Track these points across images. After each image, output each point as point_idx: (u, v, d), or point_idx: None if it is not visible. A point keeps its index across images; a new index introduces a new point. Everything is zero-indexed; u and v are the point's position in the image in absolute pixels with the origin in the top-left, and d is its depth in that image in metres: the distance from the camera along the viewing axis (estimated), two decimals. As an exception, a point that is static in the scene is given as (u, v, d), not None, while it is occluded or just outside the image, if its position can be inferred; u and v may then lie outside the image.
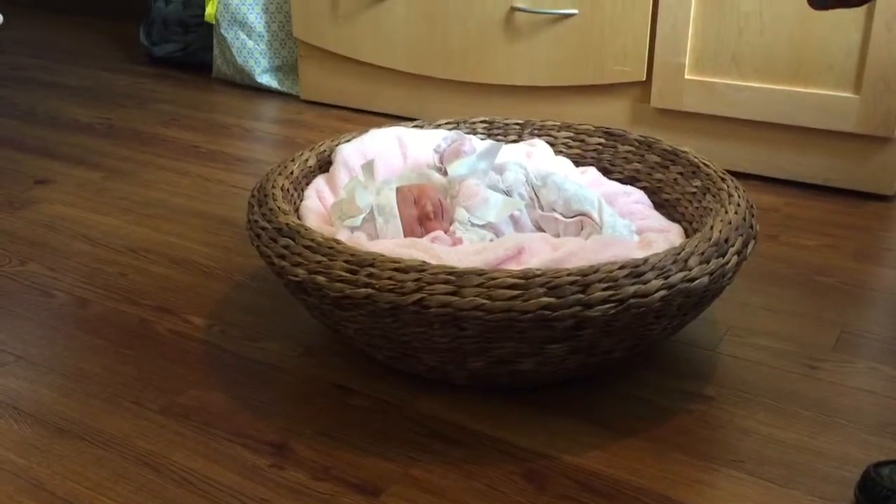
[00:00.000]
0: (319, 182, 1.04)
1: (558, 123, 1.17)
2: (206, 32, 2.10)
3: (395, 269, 0.76)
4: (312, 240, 0.82)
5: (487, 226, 0.93)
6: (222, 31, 1.98)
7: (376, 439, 0.80)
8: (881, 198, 1.31)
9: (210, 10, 1.97)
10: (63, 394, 0.87)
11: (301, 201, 1.00)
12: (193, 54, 2.15)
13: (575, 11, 1.48)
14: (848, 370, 0.90)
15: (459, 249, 0.86)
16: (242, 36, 1.96)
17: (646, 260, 0.76)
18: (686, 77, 1.41)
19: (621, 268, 0.75)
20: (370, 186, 0.97)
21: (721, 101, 1.39)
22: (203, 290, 1.08)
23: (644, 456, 0.77)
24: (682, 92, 1.41)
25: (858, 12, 1.25)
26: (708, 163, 1.02)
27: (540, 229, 0.97)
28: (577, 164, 1.13)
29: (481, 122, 1.18)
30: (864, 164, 1.32)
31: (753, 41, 1.34)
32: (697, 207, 0.98)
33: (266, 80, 1.98)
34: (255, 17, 1.95)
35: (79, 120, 1.77)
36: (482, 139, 1.15)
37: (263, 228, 0.87)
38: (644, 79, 1.46)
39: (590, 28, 1.48)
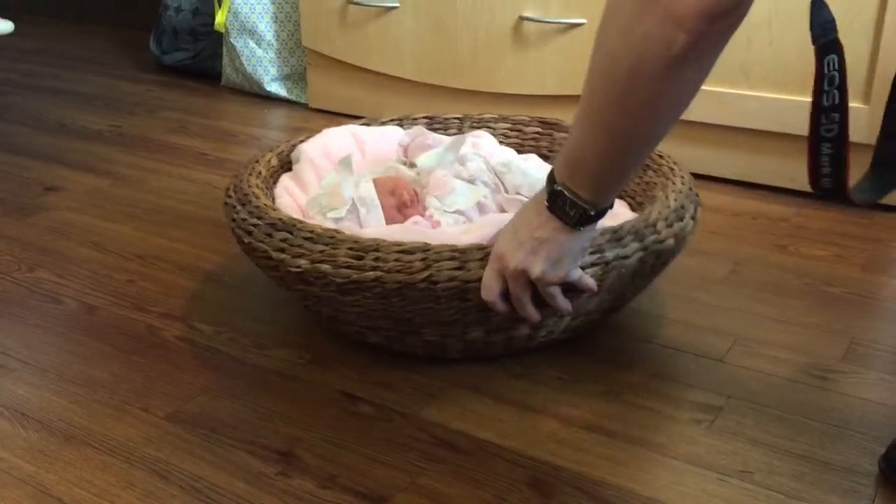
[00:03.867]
0: (286, 181, 1.09)
1: (496, 116, 1.24)
2: (215, 41, 2.11)
3: (401, 252, 0.82)
4: (311, 231, 0.86)
5: (457, 212, 1.00)
6: (232, 39, 1.99)
7: (383, 448, 0.80)
8: (891, 208, 1.31)
9: (220, 18, 1.98)
10: (71, 400, 0.87)
11: (273, 200, 1.03)
12: (203, 62, 2.16)
13: (583, 21, 1.48)
14: (857, 381, 0.89)
15: (448, 232, 0.93)
16: (252, 44, 1.97)
17: (623, 226, 0.86)
18: (694, 87, 1.40)
19: (602, 234, 0.84)
20: (349, 180, 1.02)
21: (730, 110, 1.39)
22: (211, 297, 1.08)
23: (651, 466, 0.77)
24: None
25: (867, 21, 1.25)
26: None
27: (504, 212, 1.01)
28: (519, 152, 1.18)
29: (423, 117, 1.25)
30: (874, 174, 1.32)
31: (762, 52, 1.34)
32: (639, 183, 1.06)
33: (274, 88, 1.99)
34: (265, 26, 1.96)
35: (88, 127, 1.78)
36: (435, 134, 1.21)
37: (255, 225, 0.90)
38: (652, 88, 1.46)
39: (598, 37, 1.48)
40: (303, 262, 0.84)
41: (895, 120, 0.76)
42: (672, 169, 1.01)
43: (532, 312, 0.82)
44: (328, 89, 1.85)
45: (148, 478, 0.76)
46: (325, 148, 1.12)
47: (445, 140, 1.14)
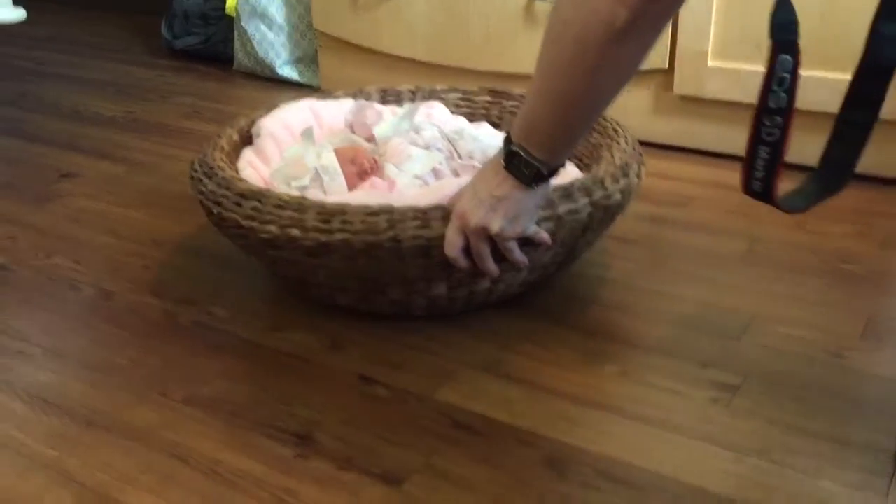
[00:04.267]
0: (249, 154, 1.13)
1: (446, 87, 1.29)
2: (226, 25, 2.11)
3: (367, 214, 0.87)
4: (279, 198, 0.90)
5: (414, 177, 1.05)
6: (243, 23, 1.98)
7: (398, 430, 0.80)
8: (909, 184, 1.29)
9: (231, 2, 1.97)
10: (90, 385, 0.88)
11: (237, 173, 1.07)
12: (214, 47, 2.16)
13: None
14: (875, 359, 0.89)
15: (407, 194, 0.99)
16: (263, 28, 1.97)
17: (573, 183, 0.91)
18: (709, 64, 1.39)
19: (554, 191, 0.88)
20: (311, 150, 1.07)
21: (745, 87, 1.37)
22: (226, 281, 1.08)
23: (668, 446, 0.77)
24: (706, 79, 1.40)
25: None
26: None
27: (459, 176, 1.06)
28: (470, 121, 1.23)
29: (377, 90, 1.30)
30: (894, 150, 1.30)
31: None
32: (586, 145, 1.12)
33: (286, 71, 1.99)
34: (276, 9, 1.96)
35: (102, 114, 1.79)
36: (379, 104, 1.26)
37: (224, 196, 0.94)
38: (666, 66, 1.45)
39: (611, 15, 1.46)
40: (272, 227, 0.88)
41: (863, 84, 0.76)
42: (616, 130, 1.07)
43: (492, 266, 0.87)
44: (340, 72, 1.85)
45: (168, 461, 0.77)
46: (285, 122, 1.17)
47: (386, 114, 1.21)
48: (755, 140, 0.75)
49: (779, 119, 0.73)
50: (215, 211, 0.94)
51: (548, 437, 0.79)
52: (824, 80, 1.29)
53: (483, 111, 1.27)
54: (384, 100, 1.30)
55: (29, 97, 1.92)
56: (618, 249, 1.14)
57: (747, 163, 0.76)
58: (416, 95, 1.30)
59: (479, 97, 1.28)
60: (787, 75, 0.73)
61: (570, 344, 0.93)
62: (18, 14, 2.63)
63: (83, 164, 1.50)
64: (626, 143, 1.04)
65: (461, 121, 1.22)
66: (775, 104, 0.73)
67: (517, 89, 1.30)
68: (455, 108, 1.27)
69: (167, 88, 1.97)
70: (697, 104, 1.45)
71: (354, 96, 1.28)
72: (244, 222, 0.91)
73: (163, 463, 0.77)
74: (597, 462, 0.75)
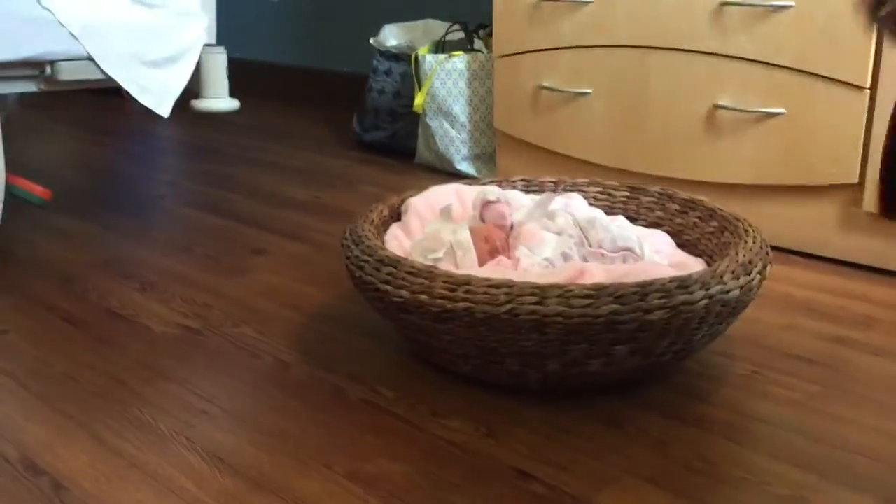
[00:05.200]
0: (395, 229, 1.24)
1: (587, 180, 1.36)
2: (412, 121, 2.23)
3: (489, 286, 0.93)
4: (412, 266, 0.98)
5: (544, 260, 1.11)
6: (428, 120, 2.10)
7: (553, 530, 0.79)
8: None
9: (419, 100, 2.10)
10: (261, 449, 0.93)
11: (383, 244, 1.15)
12: (399, 141, 2.29)
13: (782, 110, 1.45)
14: None
15: (531, 272, 1.05)
16: (446, 125, 2.07)
17: (690, 275, 0.94)
18: (904, 181, 1.32)
19: (672, 281, 0.93)
20: (448, 226, 1.16)
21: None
22: (396, 363, 1.12)
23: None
24: (900, 196, 1.33)
25: None
26: (722, 208, 1.20)
27: (586, 262, 1.12)
28: (607, 213, 1.28)
29: (521, 180, 1.38)
30: None
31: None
32: (717, 244, 1.17)
33: (464, 167, 2.07)
34: (460, 109, 2.06)
35: (294, 198, 1.93)
36: (523, 193, 1.33)
37: (365, 261, 1.03)
38: (856, 181, 1.39)
39: (798, 127, 1.44)
40: (404, 292, 0.96)
41: None
42: (746, 230, 1.10)
43: None
44: (515, 170, 1.90)
45: (326, 532, 0.79)
46: (430, 201, 1.27)
47: (525, 200, 1.28)
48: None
49: None
50: (357, 274, 1.04)
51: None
52: None
53: (621, 205, 1.33)
54: (528, 189, 1.36)
55: (233, 179, 2.11)
56: (800, 369, 1.09)
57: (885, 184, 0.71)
58: (557, 187, 1.36)
59: (618, 192, 1.34)
60: None
61: (740, 462, 0.89)
62: (233, 104, 2.90)
63: (274, 242, 1.62)
64: (755, 242, 1.06)
65: (597, 212, 1.26)
66: None
67: (653, 186, 1.32)
68: (594, 201, 1.33)
69: (353, 177, 2.10)
70: (888, 223, 1.37)
71: (500, 184, 1.35)
72: (381, 286, 0.99)
73: (322, 533, 0.79)
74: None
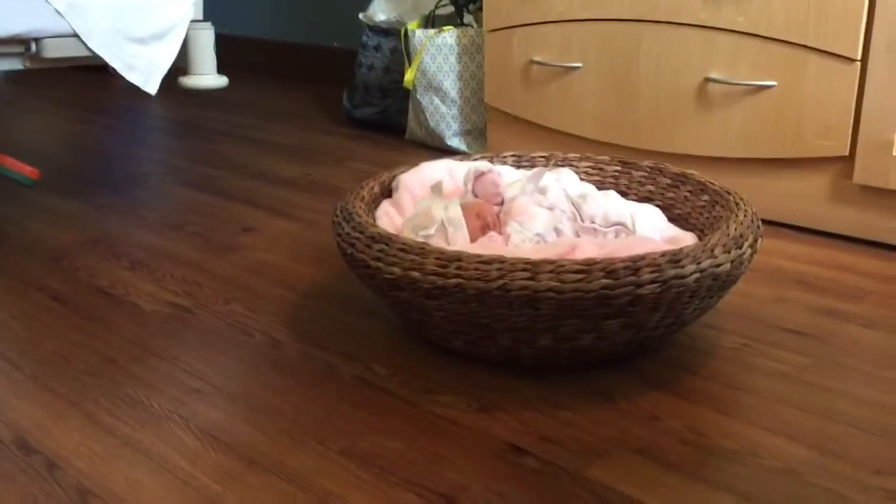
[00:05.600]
0: (386, 206, 1.24)
1: (578, 155, 1.36)
2: (402, 97, 2.22)
3: (480, 262, 0.93)
4: (404, 243, 0.98)
5: (536, 235, 1.11)
6: (418, 96, 2.09)
7: (546, 503, 0.79)
8: None
9: (409, 76, 2.09)
10: (255, 427, 0.93)
11: (374, 221, 1.15)
12: (389, 117, 2.28)
13: (773, 83, 1.44)
14: None
15: (523, 248, 1.05)
16: (437, 101, 2.06)
17: (681, 250, 0.94)
18: (895, 154, 1.33)
19: (663, 255, 0.92)
20: (439, 203, 1.15)
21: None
22: (388, 340, 1.12)
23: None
24: (890, 169, 1.33)
25: None
26: (713, 182, 1.20)
27: (578, 237, 1.12)
28: (598, 188, 1.29)
29: (511, 155, 1.37)
30: None
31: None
32: (708, 217, 1.16)
33: (455, 143, 2.06)
34: (450, 84, 2.04)
35: (283, 175, 1.92)
36: (514, 169, 1.33)
37: (357, 238, 1.03)
38: (847, 154, 1.39)
39: (789, 100, 1.43)
40: (396, 269, 0.96)
41: None
42: (738, 204, 1.10)
43: None
44: (506, 145, 1.90)
45: (320, 508, 0.79)
46: (422, 178, 1.26)
47: (515, 175, 1.28)
48: None
49: None
50: (348, 252, 1.04)
51: (701, 529, 0.75)
52: None
53: (612, 180, 1.32)
54: (519, 164, 1.36)
55: (221, 156, 2.09)
56: (790, 342, 1.09)
57: None
58: (548, 162, 1.36)
59: (609, 166, 1.34)
60: None
61: (731, 434, 0.89)
62: (221, 81, 2.88)
63: (263, 220, 1.61)
64: (746, 215, 1.06)
65: (588, 186, 1.27)
66: None
67: (644, 161, 1.32)
68: (585, 176, 1.33)
69: (344, 154, 2.09)
70: (879, 195, 1.38)
71: (491, 160, 1.35)
72: (372, 263, 0.99)
73: (316, 509, 0.79)
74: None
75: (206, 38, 2.77)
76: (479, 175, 1.23)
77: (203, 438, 0.91)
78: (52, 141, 2.30)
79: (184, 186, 1.84)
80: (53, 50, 1.44)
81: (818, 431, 0.89)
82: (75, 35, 1.45)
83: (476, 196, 1.25)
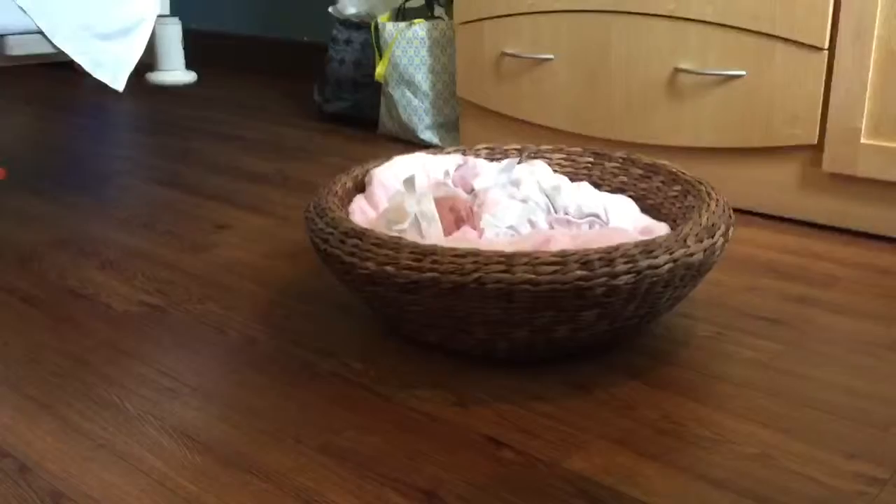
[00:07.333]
0: (360, 201, 1.23)
1: (551, 147, 1.36)
2: (374, 91, 2.21)
3: (455, 255, 0.93)
4: (378, 237, 0.98)
5: (509, 227, 1.12)
6: (390, 89, 2.08)
7: (525, 496, 0.80)
8: None
9: (380, 70, 2.08)
10: (231, 426, 0.92)
11: (347, 216, 1.15)
12: (361, 111, 2.27)
13: (743, 73, 1.46)
14: None
15: (497, 241, 1.04)
16: (409, 94, 2.05)
17: (655, 240, 0.95)
18: (862, 141, 1.34)
19: (637, 246, 0.94)
20: (412, 197, 1.14)
21: (901, 166, 1.31)
22: (363, 335, 1.12)
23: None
24: (858, 157, 1.35)
25: None
26: (685, 172, 1.21)
27: (552, 229, 1.12)
28: (571, 179, 1.31)
29: (484, 148, 1.38)
30: None
31: (939, 104, 1.27)
32: (680, 207, 1.17)
33: (428, 136, 2.06)
34: (422, 77, 2.04)
35: (256, 171, 1.90)
36: (487, 162, 1.33)
37: (330, 234, 1.03)
38: (815, 142, 1.41)
39: (758, 89, 1.45)
40: (370, 264, 0.96)
41: None
42: (709, 193, 1.11)
43: None
44: (479, 138, 1.90)
45: (299, 506, 0.79)
46: (395, 172, 1.26)
47: (489, 168, 1.28)
48: None
49: None
50: (322, 247, 1.04)
51: (678, 517, 0.76)
52: None
53: (585, 171, 1.33)
54: (492, 157, 1.36)
55: (194, 153, 2.07)
56: (763, 329, 1.11)
57: None
58: (521, 154, 1.36)
59: (582, 158, 1.34)
60: None
61: (706, 422, 0.90)
62: (190, 77, 2.85)
63: (236, 216, 1.60)
64: (718, 205, 1.07)
65: (561, 178, 1.27)
66: None
67: (617, 151, 1.33)
68: (558, 168, 1.34)
69: (316, 149, 2.08)
70: (848, 182, 1.40)
71: (463, 153, 1.35)
72: (346, 258, 0.99)
73: (294, 507, 0.79)
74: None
75: (173, 34, 2.74)
76: (462, 164, 1.24)
77: (178, 439, 0.90)
78: (19, 139, 2.26)
79: (154, 184, 1.82)
80: (18, 47, 1.41)
81: (791, 417, 0.91)
82: (40, 32, 1.43)
83: (455, 184, 1.25)
